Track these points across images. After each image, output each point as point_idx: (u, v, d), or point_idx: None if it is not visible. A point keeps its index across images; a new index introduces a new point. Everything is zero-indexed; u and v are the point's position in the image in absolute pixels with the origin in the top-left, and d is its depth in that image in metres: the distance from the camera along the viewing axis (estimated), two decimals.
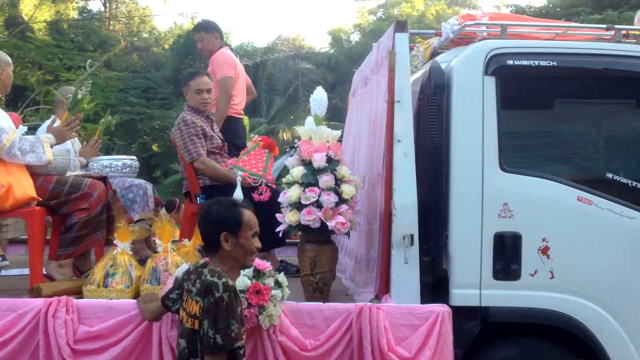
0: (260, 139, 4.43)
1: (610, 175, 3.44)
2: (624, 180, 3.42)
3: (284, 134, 22.30)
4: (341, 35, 29.63)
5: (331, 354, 2.98)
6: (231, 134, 4.77)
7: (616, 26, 3.61)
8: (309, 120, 4.02)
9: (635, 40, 3.65)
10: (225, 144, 4.49)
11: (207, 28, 5.22)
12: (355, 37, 29.56)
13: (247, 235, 2.56)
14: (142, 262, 3.79)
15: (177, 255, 3.50)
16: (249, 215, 2.59)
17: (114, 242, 3.55)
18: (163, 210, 4.60)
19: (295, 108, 25.41)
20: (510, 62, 3.37)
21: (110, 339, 2.93)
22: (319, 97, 3.59)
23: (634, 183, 3.41)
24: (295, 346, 2.94)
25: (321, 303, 3.17)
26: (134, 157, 4.91)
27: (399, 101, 3.34)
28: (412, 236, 3.27)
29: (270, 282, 2.98)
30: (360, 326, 2.98)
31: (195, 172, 4.24)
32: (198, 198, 4.19)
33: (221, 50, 5.14)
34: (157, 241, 3.54)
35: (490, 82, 3.38)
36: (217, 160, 4.29)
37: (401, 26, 3.43)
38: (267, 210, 3.74)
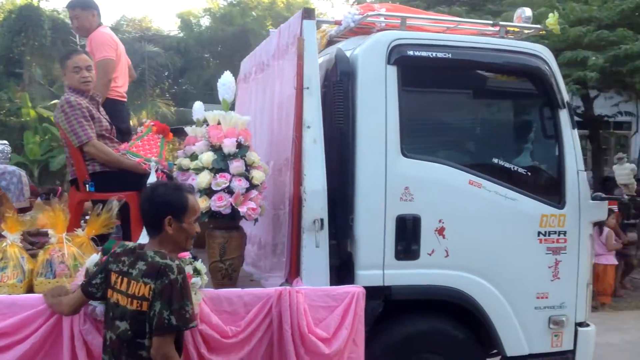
0: (152, 123, 4.32)
1: (496, 161, 3.83)
2: (507, 165, 3.83)
3: (131, 119, 21.44)
4: (191, 19, 28.96)
5: (252, 339, 3.07)
6: (115, 117, 4.58)
7: (501, 22, 4.00)
8: (197, 105, 4.01)
9: (513, 37, 4.06)
10: (113, 127, 4.32)
11: (83, 5, 4.94)
12: (206, 21, 29.04)
13: (191, 220, 2.63)
14: None
15: (72, 246, 3.35)
16: (193, 200, 2.67)
17: (1, 233, 3.31)
18: (39, 200, 4.34)
19: (142, 92, 24.48)
20: (410, 52, 3.63)
21: (16, 336, 2.79)
22: (227, 82, 3.62)
23: (516, 167, 3.82)
24: (216, 334, 2.98)
25: (240, 289, 3.22)
26: (5, 142, 4.55)
27: (308, 88, 3.47)
28: (322, 220, 3.45)
29: (189, 269, 2.97)
30: (280, 310, 3.10)
31: (84, 157, 4.03)
32: (87, 185, 3.99)
33: (100, 30, 4.90)
34: (50, 232, 3.36)
35: (393, 71, 3.62)
36: (107, 145, 4.11)
37: (309, 14, 3.56)
38: None
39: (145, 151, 4.17)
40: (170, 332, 2.41)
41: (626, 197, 6.84)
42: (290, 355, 3.05)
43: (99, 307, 2.84)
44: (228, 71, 3.74)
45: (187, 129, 4.63)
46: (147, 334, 2.43)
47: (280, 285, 3.35)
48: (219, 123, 3.54)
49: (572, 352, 3.91)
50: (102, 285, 2.63)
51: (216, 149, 3.48)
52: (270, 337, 3.10)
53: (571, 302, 3.88)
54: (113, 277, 2.56)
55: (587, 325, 3.98)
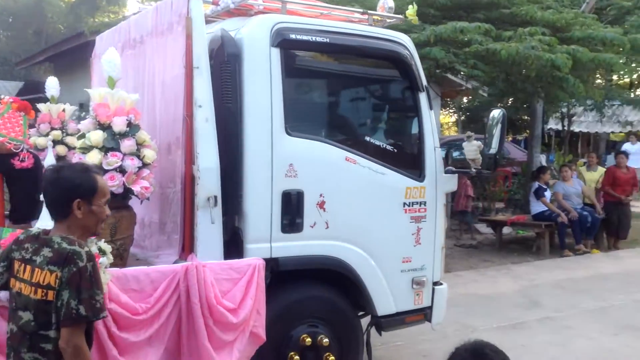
0: (11, 100, 4.13)
1: (367, 139, 4.28)
2: (377, 142, 4.31)
3: None
4: None
5: (161, 314, 3.23)
6: None
7: (369, 11, 4.44)
8: (51, 81, 3.95)
9: (380, 24, 4.53)
10: None
11: None
12: None
13: (101, 203, 2.57)
14: None
15: None
16: (102, 181, 2.62)
17: None
18: None
19: None
20: (292, 36, 3.96)
21: None
22: (112, 59, 3.61)
23: (384, 145, 4.31)
24: (126, 312, 3.10)
25: (146, 267, 3.32)
26: None
27: (198, 67, 3.64)
28: (215, 197, 3.68)
29: (94, 250, 3.02)
30: (187, 284, 3.32)
31: None
32: None
33: None
34: None
35: (276, 53, 3.92)
36: None
37: None
38: (32, 177, 3.63)
39: (7, 130, 4.01)
40: (79, 322, 2.36)
41: (474, 170, 7.77)
42: (200, 327, 3.29)
43: (3, 293, 2.78)
44: (113, 47, 3.74)
45: (41, 106, 4.51)
46: (53, 325, 2.37)
47: (174, 263, 3.51)
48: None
49: (430, 307, 4.60)
50: (4, 274, 2.55)
51: (105, 127, 3.51)
52: (178, 312, 3.29)
53: (430, 264, 4.55)
54: (16, 265, 2.49)
55: (441, 284, 4.67)
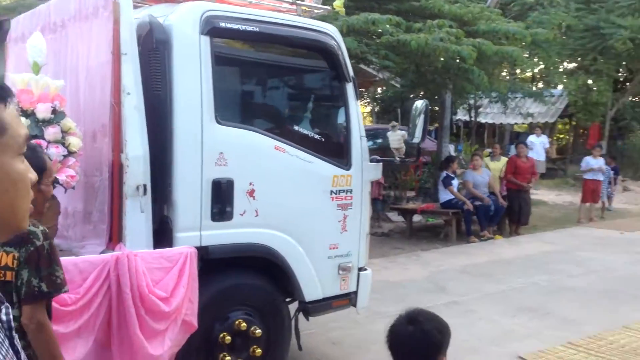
0: None
1: (296, 128, 4.36)
2: (305, 131, 4.41)
3: None
4: None
5: (91, 305, 3.20)
6: None
7: (297, 2, 4.51)
8: None
9: (308, 15, 4.62)
10: None
11: None
12: None
13: (49, 182, 2.62)
14: None
15: None
16: (49, 160, 2.63)
17: None
18: None
19: None
20: (222, 24, 3.98)
21: None
22: (38, 44, 3.50)
23: (312, 134, 4.41)
24: (55, 303, 3.00)
25: (75, 257, 3.26)
26: None
27: (126, 53, 3.59)
28: (145, 186, 3.67)
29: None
30: (118, 274, 3.30)
31: None
32: None
33: None
34: None
35: (206, 41, 3.93)
36: None
37: None
38: None
39: None
40: (41, 299, 2.45)
41: (397, 159, 7.99)
42: (131, 316, 3.28)
43: None
44: (39, 32, 3.62)
45: None
46: (15, 305, 2.43)
47: (102, 253, 3.46)
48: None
49: (355, 292, 4.75)
50: None
51: (28, 114, 3.40)
52: (109, 302, 3.27)
53: (355, 251, 4.69)
54: None
55: (366, 269, 4.84)
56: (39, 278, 2.41)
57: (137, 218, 3.63)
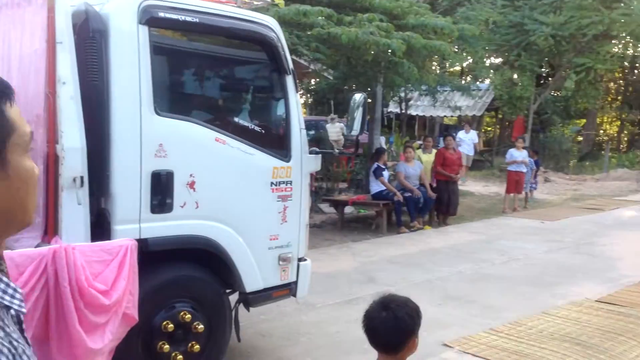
0: None
1: (237, 120, 4.39)
2: (246, 123, 4.45)
3: None
4: None
5: (28, 299, 3.12)
6: None
7: None
8: None
9: (247, 7, 4.64)
10: None
11: None
12: None
13: None
14: None
15: None
16: None
17: None
18: None
19: None
20: (161, 14, 3.95)
21: None
22: None
23: (253, 126, 4.45)
24: None
25: (10, 250, 3.17)
26: None
27: (61, 42, 3.53)
28: (82, 178, 3.62)
29: None
30: (56, 268, 3.24)
31: None
32: None
33: None
34: None
35: (144, 31, 3.90)
36: None
37: None
38: None
39: None
40: None
41: (337, 151, 8.19)
42: (70, 310, 3.22)
43: None
44: None
45: None
46: None
47: (37, 246, 3.39)
48: None
49: (295, 282, 4.83)
50: None
51: None
52: (46, 296, 3.20)
53: (295, 241, 4.76)
54: None
55: (305, 259, 4.93)
56: None
57: (74, 211, 3.56)
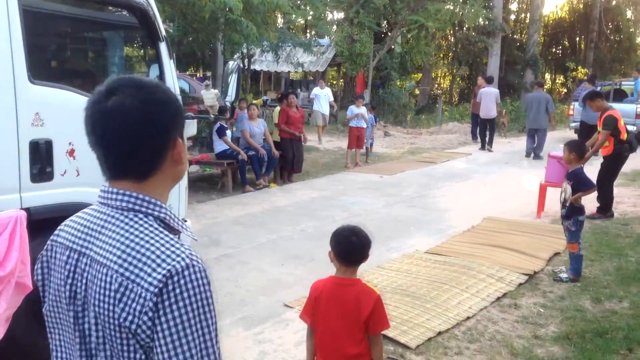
0: None
1: None
2: None
3: None
4: None
5: None
6: None
7: None
8: None
9: None
10: None
11: None
12: None
13: None
14: None
15: None
16: None
17: None
18: None
19: None
20: None
21: None
22: None
23: None
24: None
25: None
26: None
27: None
28: None
29: None
30: None
31: None
32: None
33: None
34: None
35: None
36: None
37: None
38: None
39: None
40: None
41: (212, 116, 8.42)
42: None
43: None
44: None
45: None
46: None
47: None
48: None
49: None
50: None
51: None
52: None
53: (176, 204, 5.22)
54: None
55: (186, 220, 5.41)
56: None
57: None
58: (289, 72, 25.47)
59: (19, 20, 4.01)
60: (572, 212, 6.81)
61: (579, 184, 6.84)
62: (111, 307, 1.47)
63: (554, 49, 43.44)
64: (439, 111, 26.46)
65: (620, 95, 20.04)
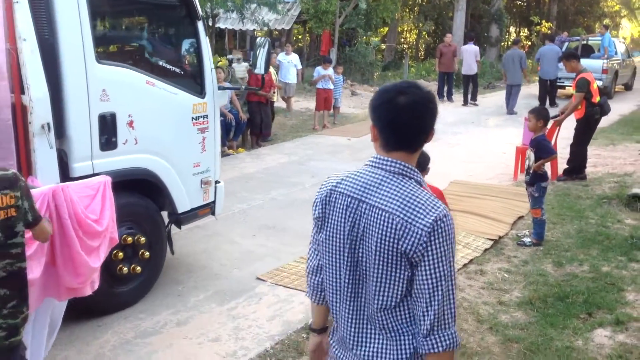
0: None
1: (161, 63, 5.56)
2: (169, 66, 5.67)
3: None
4: None
5: None
6: None
7: None
8: None
9: None
10: None
11: None
12: None
13: None
14: None
15: None
16: None
17: None
18: None
19: None
20: None
21: None
22: None
23: (174, 68, 5.70)
24: None
25: None
26: None
27: (17, 1, 4.33)
28: (49, 124, 4.52)
29: None
30: (56, 204, 4.15)
31: None
32: None
33: None
34: None
35: None
36: None
37: None
38: None
39: None
40: (42, 218, 3.40)
41: (243, 87, 9.20)
42: (73, 238, 4.19)
43: None
44: None
45: None
46: (19, 233, 3.23)
47: None
48: None
49: (214, 201, 6.20)
50: None
51: None
52: (51, 228, 3.92)
53: (212, 167, 6.06)
54: None
55: (219, 182, 6.26)
56: (31, 205, 3.26)
57: (46, 154, 4.48)
58: (254, 30, 25.85)
59: (87, 10, 4.76)
60: (535, 178, 7.24)
61: (540, 151, 7.28)
62: (395, 240, 2.16)
63: (518, 1, 44.35)
64: (405, 66, 27.16)
65: (587, 51, 21.25)
